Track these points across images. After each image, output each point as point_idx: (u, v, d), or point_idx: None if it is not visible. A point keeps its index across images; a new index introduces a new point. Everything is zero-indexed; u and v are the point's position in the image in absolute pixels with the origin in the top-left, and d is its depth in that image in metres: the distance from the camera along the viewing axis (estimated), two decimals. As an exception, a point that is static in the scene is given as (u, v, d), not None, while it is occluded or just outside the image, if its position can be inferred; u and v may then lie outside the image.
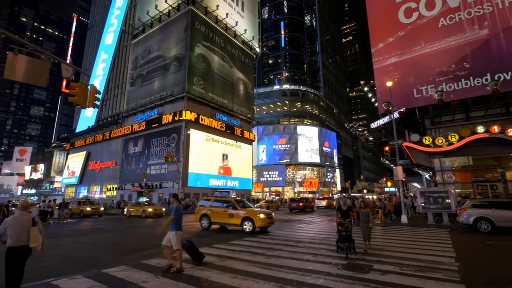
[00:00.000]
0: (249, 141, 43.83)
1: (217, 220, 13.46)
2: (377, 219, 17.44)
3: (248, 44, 46.72)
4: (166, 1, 36.87)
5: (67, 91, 10.81)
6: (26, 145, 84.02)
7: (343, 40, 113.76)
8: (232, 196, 15.98)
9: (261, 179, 55.62)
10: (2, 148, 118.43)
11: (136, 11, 44.78)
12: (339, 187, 63.91)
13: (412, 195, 26.84)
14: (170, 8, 37.67)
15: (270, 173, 55.93)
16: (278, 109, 63.25)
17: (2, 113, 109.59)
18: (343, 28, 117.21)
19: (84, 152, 47.34)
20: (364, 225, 8.35)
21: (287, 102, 62.96)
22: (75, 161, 49.26)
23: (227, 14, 41.30)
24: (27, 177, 70.41)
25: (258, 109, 59.33)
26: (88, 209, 23.01)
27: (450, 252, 8.15)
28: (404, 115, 19.96)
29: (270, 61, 70.33)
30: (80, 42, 78.49)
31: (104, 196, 41.63)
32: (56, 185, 64.16)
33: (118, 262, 6.93)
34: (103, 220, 20.27)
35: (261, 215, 12.43)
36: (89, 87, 9.84)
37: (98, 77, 50.66)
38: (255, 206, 21.08)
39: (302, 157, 55.89)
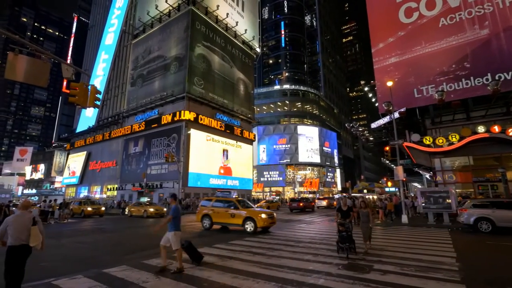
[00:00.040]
0: (250, 141, 43.84)
1: (218, 220, 13.44)
2: (378, 219, 17.43)
3: (248, 44, 46.72)
4: (166, 1, 36.90)
5: (68, 91, 10.82)
6: (26, 145, 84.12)
7: (344, 40, 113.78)
8: (234, 196, 15.98)
9: (262, 179, 55.64)
10: (3, 148, 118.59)
11: (136, 11, 44.83)
12: (339, 187, 63.88)
13: (413, 195, 26.81)
14: (171, 8, 37.70)
15: (270, 173, 55.94)
16: (279, 109, 63.25)
17: (3, 113, 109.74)
18: (344, 28, 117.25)
19: (85, 152, 47.39)
20: (365, 225, 8.33)
21: (287, 102, 62.96)
22: (76, 161, 49.32)
23: (227, 14, 41.31)
24: (27, 177, 70.47)
25: (258, 109, 59.36)
26: (89, 209, 23.00)
27: (451, 252, 8.14)
28: (404, 115, 19.95)
29: (271, 61, 70.33)
30: (80, 42, 78.52)
31: (104, 196, 41.68)
32: (56, 185, 64.20)
33: (118, 262, 6.93)
34: (104, 220, 20.28)
35: (263, 215, 12.41)
36: (89, 87, 9.84)
37: (99, 77, 50.72)
38: (256, 206, 21.08)
39: (303, 157, 55.89)
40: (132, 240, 11.28)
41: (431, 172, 24.96)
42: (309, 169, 58.34)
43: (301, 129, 57.63)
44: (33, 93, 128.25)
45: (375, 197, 33.90)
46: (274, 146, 56.72)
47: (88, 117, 51.82)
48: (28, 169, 69.86)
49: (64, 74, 9.51)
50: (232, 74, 41.73)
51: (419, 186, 53.22)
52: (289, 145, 56.20)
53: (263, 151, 56.89)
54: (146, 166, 35.51)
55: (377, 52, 23.81)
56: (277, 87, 64.03)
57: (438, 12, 21.33)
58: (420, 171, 34.05)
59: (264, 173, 56.19)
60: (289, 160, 55.63)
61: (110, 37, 51.63)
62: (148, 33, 41.15)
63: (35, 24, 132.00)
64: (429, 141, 19.54)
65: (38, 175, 70.87)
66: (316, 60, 71.74)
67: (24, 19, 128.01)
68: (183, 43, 35.48)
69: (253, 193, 46.96)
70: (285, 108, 63.04)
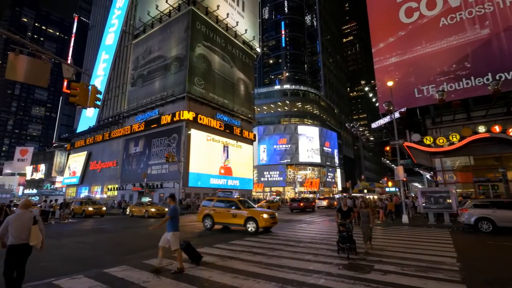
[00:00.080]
0: (250, 141, 43.84)
1: (220, 220, 13.43)
2: (378, 219, 17.41)
3: (248, 44, 46.73)
4: (167, 1, 36.93)
5: (68, 91, 10.82)
6: (27, 145, 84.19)
7: (344, 40, 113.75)
8: (235, 196, 15.94)
9: (262, 179, 55.63)
10: (4, 148, 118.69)
11: (137, 11, 44.88)
12: (340, 187, 63.86)
13: (413, 195, 26.79)
14: (171, 8, 37.72)
15: (271, 173, 55.93)
16: (279, 109, 63.24)
17: (4, 113, 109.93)
18: (344, 28, 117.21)
19: (85, 152, 47.43)
20: (365, 225, 8.33)
21: (287, 102, 62.95)
22: (76, 161, 49.37)
23: (227, 14, 41.33)
24: (28, 177, 70.49)
25: (258, 109, 59.36)
26: (90, 209, 22.99)
27: (451, 252, 8.13)
28: (405, 115, 19.93)
29: (271, 61, 70.34)
30: (81, 42, 78.54)
31: (105, 196, 41.71)
32: (57, 185, 64.25)
33: (119, 262, 6.94)
34: (105, 220, 20.29)
35: (265, 215, 12.40)
36: (90, 87, 9.84)
37: (99, 77, 50.78)
38: (256, 206, 21.08)
39: (303, 157, 55.87)
40: (132, 240, 11.28)
41: (431, 172, 24.93)
42: (309, 169, 58.31)
43: (301, 129, 57.62)
44: (34, 93, 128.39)
45: (375, 197, 33.91)
46: (275, 146, 56.72)
47: (88, 117, 51.87)
48: (28, 169, 69.88)
49: (64, 74, 9.52)
50: (232, 74, 41.74)
51: (420, 186, 53.17)
52: (289, 145, 56.19)
53: (264, 151, 56.89)
54: (146, 166, 35.54)
55: (377, 52, 23.79)
56: (277, 87, 64.02)
57: (438, 12, 21.31)
58: (421, 171, 33.99)
59: (265, 173, 56.19)
60: (289, 160, 55.62)
61: (110, 37, 51.68)
62: (148, 33, 41.18)
63: (36, 24, 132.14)
64: (430, 141, 19.52)
65: (39, 175, 70.94)
66: (316, 60, 71.73)
67: (25, 20, 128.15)
68: (183, 43, 35.50)
69: (253, 193, 46.96)
70: (286, 108, 63.04)
